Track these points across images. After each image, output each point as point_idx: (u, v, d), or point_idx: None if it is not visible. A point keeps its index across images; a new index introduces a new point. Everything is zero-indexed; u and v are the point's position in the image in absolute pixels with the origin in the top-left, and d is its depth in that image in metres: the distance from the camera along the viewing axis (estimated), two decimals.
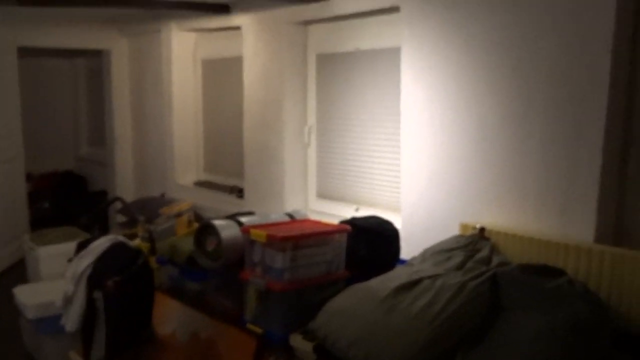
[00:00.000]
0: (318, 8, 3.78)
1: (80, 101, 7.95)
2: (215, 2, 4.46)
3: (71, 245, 3.91)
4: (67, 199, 7.19)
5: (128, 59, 6.17)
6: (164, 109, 5.53)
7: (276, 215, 3.26)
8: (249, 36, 4.44)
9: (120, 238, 2.86)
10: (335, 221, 3.16)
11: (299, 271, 2.62)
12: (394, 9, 3.33)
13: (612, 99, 2.43)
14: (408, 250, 3.12)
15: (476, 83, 2.90)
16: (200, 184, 5.39)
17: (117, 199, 3.93)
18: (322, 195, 4.23)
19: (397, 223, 3.24)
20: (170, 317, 3.08)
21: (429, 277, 2.42)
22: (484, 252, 2.59)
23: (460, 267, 2.50)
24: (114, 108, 6.23)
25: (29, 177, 6.28)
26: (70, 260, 2.80)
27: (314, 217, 3.48)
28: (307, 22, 4.10)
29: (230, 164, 5.13)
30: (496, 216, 2.85)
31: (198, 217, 4.50)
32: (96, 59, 6.85)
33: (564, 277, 2.19)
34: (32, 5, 4.04)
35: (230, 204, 4.76)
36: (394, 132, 3.50)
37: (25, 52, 5.83)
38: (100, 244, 2.76)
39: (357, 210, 3.89)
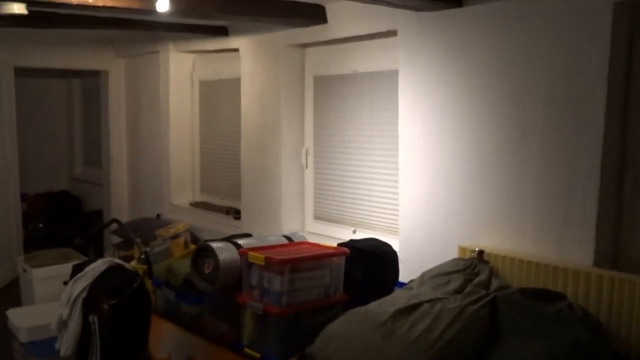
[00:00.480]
0: (316, 31, 3.81)
1: (76, 121, 7.95)
2: (213, 24, 4.50)
3: (66, 267, 3.88)
4: (62, 219, 7.14)
5: (125, 80, 6.19)
6: (160, 130, 5.53)
7: (274, 238, 3.24)
8: (246, 58, 4.47)
9: (117, 260, 2.84)
10: (332, 243, 3.15)
11: (297, 294, 2.60)
12: (391, 33, 3.36)
13: (608, 123, 2.46)
14: (406, 273, 3.11)
15: (473, 107, 2.92)
16: (197, 204, 5.37)
17: (114, 220, 3.90)
18: (320, 217, 4.22)
19: (395, 245, 3.23)
20: (166, 340, 3.04)
21: (428, 301, 2.41)
22: (483, 276, 2.58)
23: (459, 290, 2.50)
24: (110, 128, 6.22)
25: (23, 197, 6.24)
26: (65, 282, 2.77)
27: (311, 239, 3.47)
28: (305, 45, 4.14)
29: (226, 185, 5.12)
30: (494, 239, 2.85)
31: (194, 238, 4.47)
32: (92, 79, 6.87)
33: (564, 301, 2.19)
34: (30, 27, 4.06)
35: (227, 225, 4.74)
36: (392, 155, 3.51)
37: (21, 72, 5.83)
38: (97, 267, 2.74)
39: (354, 232, 3.88)
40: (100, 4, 2.87)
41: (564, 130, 2.57)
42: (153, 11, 2.86)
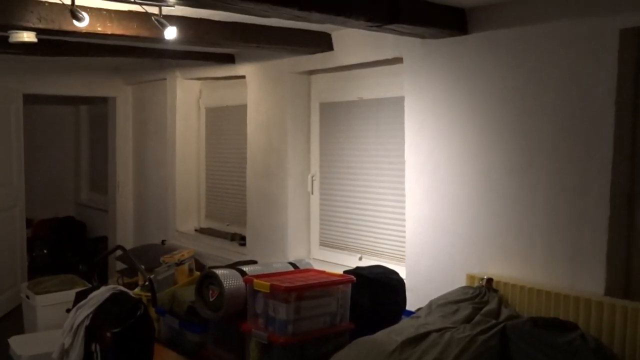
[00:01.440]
0: (322, 58, 3.84)
1: (83, 147, 7.99)
2: (220, 52, 4.54)
3: (69, 294, 3.85)
4: (67, 245, 7.11)
5: (132, 106, 6.24)
6: (166, 156, 5.55)
7: (279, 265, 3.22)
8: (253, 85, 4.50)
9: (120, 288, 2.81)
10: (338, 271, 3.12)
11: (302, 323, 2.56)
12: (396, 60, 3.38)
13: (617, 149, 2.44)
14: (413, 300, 3.06)
15: (480, 134, 2.91)
16: (202, 231, 5.35)
17: (119, 247, 3.88)
18: (325, 244, 4.19)
19: (402, 273, 3.19)
20: None
21: (437, 330, 2.37)
22: (492, 305, 2.54)
23: (468, 319, 2.45)
24: (117, 154, 6.25)
25: (28, 223, 6.23)
26: (68, 310, 2.74)
27: (317, 266, 3.43)
28: (311, 72, 4.16)
29: (232, 211, 5.10)
30: (503, 267, 2.81)
31: (199, 265, 4.44)
32: (100, 105, 6.92)
33: (576, 331, 2.14)
34: (39, 55, 4.11)
35: (232, 251, 4.71)
36: (398, 181, 3.49)
37: (29, 99, 5.88)
38: (100, 294, 2.71)
39: (360, 259, 3.84)
40: (109, 32, 2.90)
41: (572, 157, 2.55)
42: (161, 39, 2.89)
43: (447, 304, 2.62)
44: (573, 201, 2.54)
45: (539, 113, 2.67)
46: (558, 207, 2.59)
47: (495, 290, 2.68)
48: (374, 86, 3.76)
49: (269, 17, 2.48)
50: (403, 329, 2.41)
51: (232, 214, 5.09)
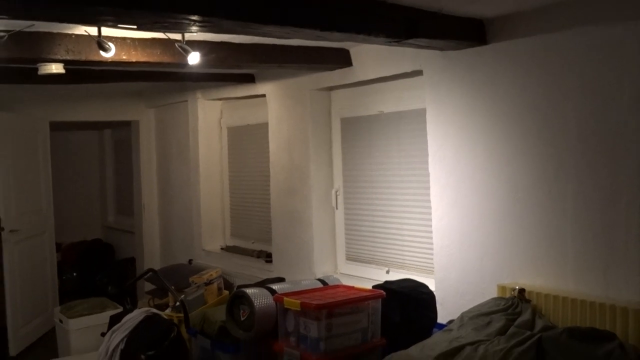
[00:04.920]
0: (341, 74, 3.87)
1: (108, 171, 8.13)
2: (240, 72, 4.60)
3: (101, 317, 3.91)
4: (95, 267, 7.22)
5: (155, 129, 6.34)
6: (190, 176, 5.62)
7: (308, 282, 3.23)
8: (273, 103, 4.54)
9: (154, 310, 2.85)
10: (366, 285, 3.12)
11: (334, 340, 2.56)
12: (416, 72, 3.39)
13: None
14: (443, 313, 3.05)
15: (504, 144, 2.90)
16: (228, 249, 5.39)
17: (150, 270, 3.93)
18: (352, 258, 4.19)
19: (430, 285, 3.17)
20: None
21: (470, 343, 2.35)
22: (526, 316, 2.51)
23: (502, 332, 2.42)
24: (142, 176, 6.34)
25: (58, 247, 6.33)
26: (103, 334, 2.78)
27: (344, 281, 3.43)
28: (331, 88, 4.19)
29: (257, 229, 5.13)
30: (534, 277, 2.78)
31: (227, 283, 4.47)
32: (123, 129, 7.04)
33: (614, 341, 2.10)
34: (64, 83, 4.21)
35: (259, 269, 4.73)
36: (422, 193, 3.48)
37: (54, 126, 6.02)
38: (134, 317, 2.75)
39: (387, 272, 3.83)
40: (133, 59, 2.97)
41: (599, 164, 2.52)
42: (185, 65, 2.95)
43: (479, 316, 2.59)
44: (603, 209, 2.51)
45: (563, 121, 2.65)
46: (588, 217, 2.56)
47: (528, 301, 2.65)
48: (394, 99, 3.77)
49: (290, 38, 2.52)
50: (436, 344, 2.40)
51: (257, 232, 5.12)
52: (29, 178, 5.47)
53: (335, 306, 2.59)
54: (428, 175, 3.31)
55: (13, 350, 4.99)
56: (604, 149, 2.51)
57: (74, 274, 7.14)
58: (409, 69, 3.39)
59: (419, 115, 3.48)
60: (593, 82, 2.53)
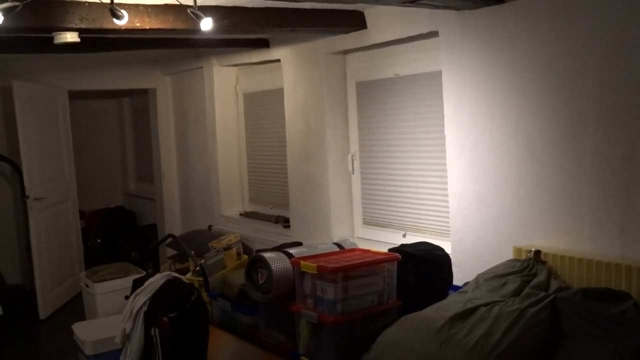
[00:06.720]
0: (356, 37, 3.82)
1: (127, 139, 8.22)
2: (254, 37, 4.57)
3: (125, 281, 4.02)
4: (118, 234, 7.39)
5: (172, 96, 6.37)
6: (208, 143, 5.66)
7: (324, 246, 3.27)
8: (288, 68, 4.52)
9: (174, 274, 2.91)
10: (383, 248, 3.14)
11: (350, 302, 2.61)
12: (432, 34, 3.33)
13: None
14: (459, 276, 3.07)
15: (522, 104, 2.86)
16: (246, 214, 5.46)
17: (170, 235, 4.01)
18: (369, 222, 4.22)
19: (447, 248, 3.19)
20: (223, 350, 3.10)
21: (485, 304, 2.37)
22: (541, 277, 2.52)
23: (516, 293, 2.44)
24: (160, 144, 6.41)
25: (81, 214, 6.49)
26: (127, 297, 2.86)
27: (361, 245, 3.47)
28: (346, 52, 4.15)
29: (274, 194, 5.18)
30: (550, 239, 2.77)
31: (246, 248, 4.54)
32: (141, 97, 7.09)
33: (629, 301, 2.11)
34: (81, 52, 4.24)
35: (277, 234, 4.80)
36: (439, 157, 3.47)
37: (73, 95, 6.09)
38: (155, 281, 2.81)
39: (404, 236, 3.86)
40: (147, 27, 2.97)
41: (618, 124, 2.48)
42: (198, 30, 2.93)
43: (494, 277, 2.61)
44: (622, 168, 2.48)
45: (582, 80, 2.60)
46: (606, 177, 2.53)
47: (544, 262, 2.66)
48: (409, 62, 3.73)
49: (304, 1, 2.49)
50: (451, 305, 2.43)
51: (274, 197, 5.17)
52: (51, 147, 5.56)
53: (351, 269, 2.62)
54: (444, 138, 3.29)
55: (42, 314, 5.18)
56: (623, 108, 2.46)
57: (98, 240, 7.31)
58: (424, 30, 3.33)
59: (435, 78, 3.44)
60: (613, 39, 2.46)
